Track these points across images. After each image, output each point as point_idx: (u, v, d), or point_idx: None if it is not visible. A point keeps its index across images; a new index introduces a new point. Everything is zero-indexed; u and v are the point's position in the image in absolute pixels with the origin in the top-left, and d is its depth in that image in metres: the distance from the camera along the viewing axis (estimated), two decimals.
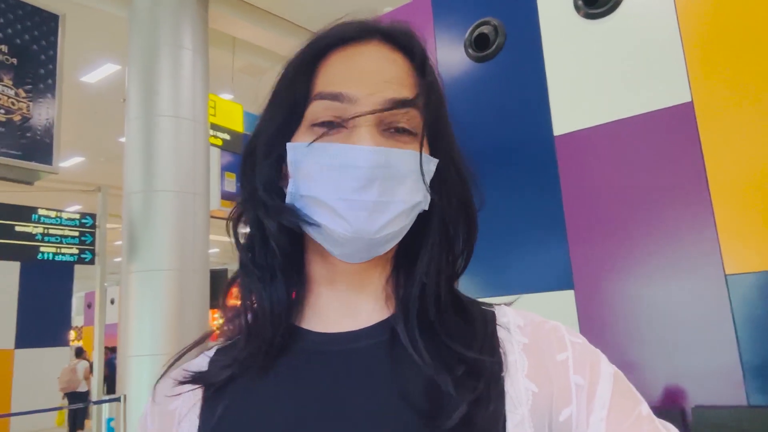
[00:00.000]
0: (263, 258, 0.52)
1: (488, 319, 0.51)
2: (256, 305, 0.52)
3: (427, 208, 0.51)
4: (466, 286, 2.52)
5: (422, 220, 0.52)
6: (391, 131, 0.49)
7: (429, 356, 0.46)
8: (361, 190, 0.46)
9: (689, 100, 1.78)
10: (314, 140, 0.48)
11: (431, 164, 0.51)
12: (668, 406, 1.69)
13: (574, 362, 0.48)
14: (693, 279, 1.76)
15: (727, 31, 1.77)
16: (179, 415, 0.51)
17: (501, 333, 0.50)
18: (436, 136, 0.52)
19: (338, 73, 0.49)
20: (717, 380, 1.64)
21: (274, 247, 0.51)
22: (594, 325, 2.04)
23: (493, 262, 2.43)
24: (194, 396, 0.51)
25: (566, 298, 2.12)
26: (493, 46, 2.41)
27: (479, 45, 2.47)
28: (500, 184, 2.47)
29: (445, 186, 0.53)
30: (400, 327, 0.49)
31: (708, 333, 1.68)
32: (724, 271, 1.68)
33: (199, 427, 0.50)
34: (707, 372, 1.67)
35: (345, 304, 0.52)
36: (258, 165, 0.52)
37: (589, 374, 0.47)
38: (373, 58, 0.50)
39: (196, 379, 0.51)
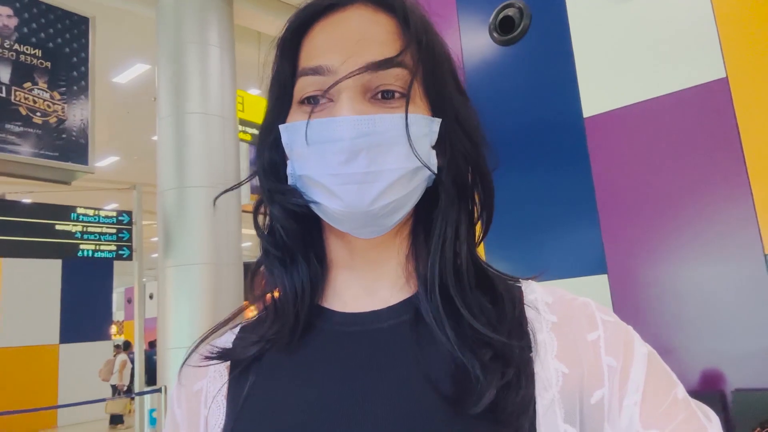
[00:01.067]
0: (281, 242, 0.51)
1: (516, 298, 0.49)
2: (279, 287, 0.51)
3: (435, 173, 0.48)
4: (502, 271, 2.50)
5: (436, 188, 0.49)
6: (378, 96, 0.46)
7: (453, 333, 0.45)
8: (346, 163, 0.44)
9: (724, 75, 1.72)
10: (308, 118, 0.46)
11: (433, 125, 0.47)
12: (707, 390, 1.66)
13: (605, 342, 0.45)
14: (731, 259, 1.71)
15: (761, 3, 1.70)
16: (206, 395, 0.51)
17: (529, 312, 0.48)
18: (436, 94, 0.48)
19: (319, 44, 0.47)
20: (757, 363, 1.60)
21: (279, 230, 0.50)
22: (629, 310, 2.01)
23: (524, 248, 2.41)
24: (221, 377, 0.51)
25: (600, 282, 2.09)
26: (519, 29, 2.37)
27: (504, 28, 2.43)
28: (530, 169, 2.44)
29: (452, 148, 0.49)
30: (423, 305, 0.47)
31: (747, 315, 1.64)
32: (764, 250, 1.63)
33: (227, 407, 0.49)
34: (746, 355, 1.62)
35: (364, 283, 0.51)
36: (259, 148, 0.52)
37: (623, 355, 0.45)
38: (354, 22, 0.47)
39: (222, 355, 0.51)
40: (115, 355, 9.72)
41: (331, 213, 0.47)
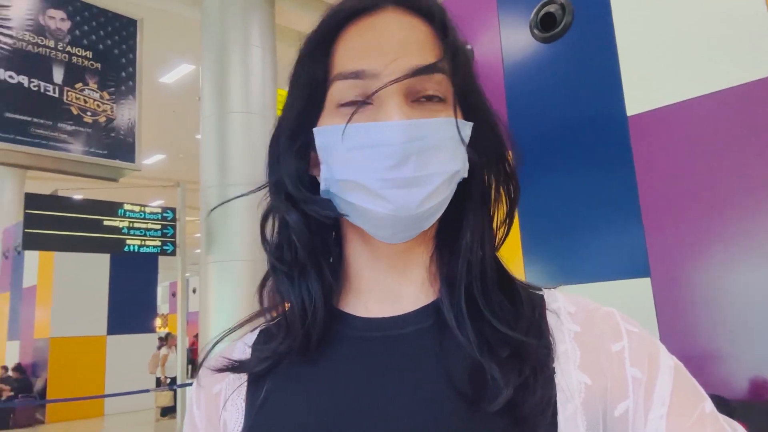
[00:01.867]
0: (293, 255, 0.51)
1: (536, 303, 0.49)
2: (288, 302, 0.51)
3: (466, 175, 0.49)
4: (535, 273, 2.46)
5: (459, 190, 0.49)
6: (421, 100, 0.46)
7: (474, 335, 0.45)
8: (396, 167, 0.44)
9: None
10: (347, 122, 0.45)
11: (467, 128, 0.48)
12: (754, 398, 1.59)
13: (630, 353, 0.45)
14: None
15: None
16: (224, 397, 0.51)
17: (551, 319, 0.47)
18: (467, 98, 0.49)
19: (355, 48, 0.46)
20: None
21: (295, 242, 0.50)
22: (672, 315, 1.95)
23: (564, 249, 2.36)
24: (239, 380, 0.51)
25: (642, 286, 2.03)
26: (560, 26, 2.33)
27: (545, 25, 2.39)
28: (571, 169, 2.39)
29: (480, 152, 0.49)
30: (446, 305, 0.47)
31: None
32: None
33: (245, 409, 0.50)
34: None
35: (387, 288, 0.50)
36: (283, 155, 0.50)
37: (648, 367, 0.44)
38: (390, 26, 0.47)
39: (236, 368, 0.51)
40: (159, 348, 10.01)
41: (374, 218, 0.46)
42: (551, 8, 2.34)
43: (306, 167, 0.51)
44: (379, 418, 0.44)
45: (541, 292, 0.51)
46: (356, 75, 0.46)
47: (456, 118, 0.46)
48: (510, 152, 0.53)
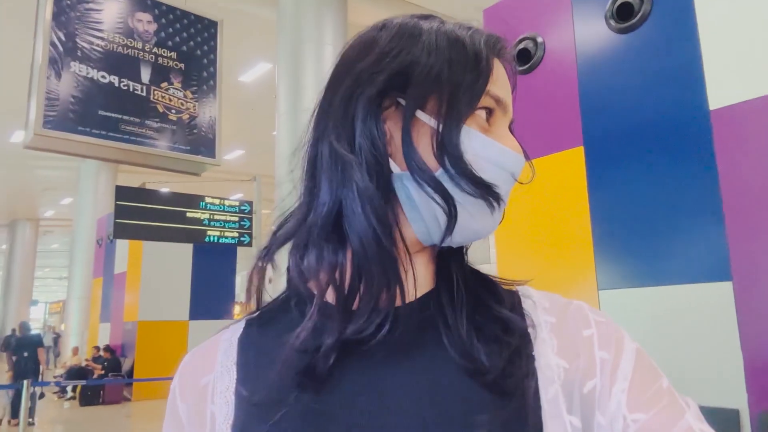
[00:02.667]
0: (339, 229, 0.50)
1: (514, 297, 0.53)
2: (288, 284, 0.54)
3: None
4: (607, 274, 2.38)
5: None
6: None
7: (466, 323, 0.48)
8: (506, 193, 0.50)
9: None
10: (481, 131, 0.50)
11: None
12: None
13: (599, 338, 0.49)
14: None
15: None
16: (213, 390, 0.51)
17: (526, 304, 0.52)
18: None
19: (500, 78, 0.51)
20: None
21: (369, 207, 0.46)
22: (755, 320, 1.83)
23: (640, 250, 2.26)
24: (228, 373, 0.51)
25: (723, 290, 1.92)
26: (638, 15, 2.22)
27: (622, 15, 2.29)
28: (649, 166, 2.28)
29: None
30: (445, 296, 0.51)
31: None
32: None
33: (236, 403, 0.49)
34: None
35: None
36: (450, 141, 0.47)
37: (614, 349, 0.49)
38: (509, 75, 0.53)
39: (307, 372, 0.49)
40: None
41: (463, 227, 0.49)
42: None
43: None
44: (386, 396, 0.46)
45: (514, 288, 0.54)
46: (498, 101, 0.50)
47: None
48: None
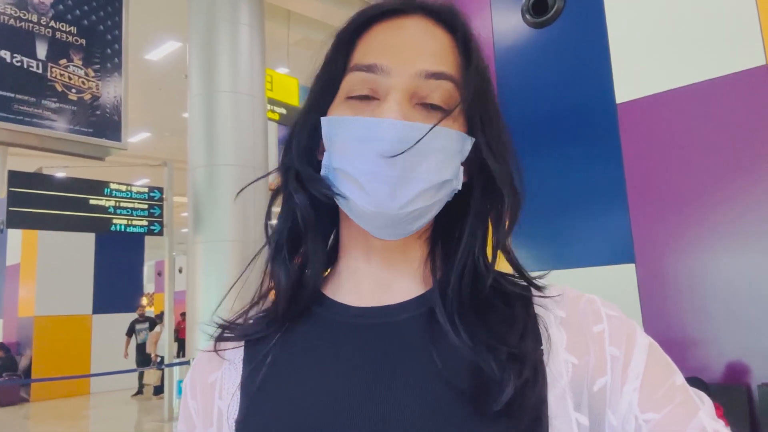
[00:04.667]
0: (293, 231, 0.53)
1: (526, 298, 0.51)
2: (280, 276, 0.53)
3: (460, 187, 0.50)
4: (523, 258, 2.50)
5: (462, 199, 0.51)
6: (425, 106, 0.48)
7: (468, 337, 0.46)
8: (383, 164, 0.45)
9: (764, 63, 1.67)
10: (352, 113, 0.48)
11: (466, 143, 0.49)
12: (732, 382, 1.64)
13: (609, 334, 0.48)
14: (764, 252, 1.68)
15: None
16: (220, 387, 0.53)
17: (539, 310, 0.50)
18: (477, 116, 0.50)
19: (376, 44, 0.49)
20: None
21: (299, 217, 0.52)
22: (656, 300, 1.99)
23: (550, 234, 2.39)
24: (236, 370, 0.53)
25: (626, 272, 2.07)
26: (552, 11, 2.33)
27: (537, 10, 2.39)
28: (559, 154, 2.41)
29: (484, 168, 0.51)
30: (438, 307, 0.49)
31: None
32: None
33: (241, 398, 0.51)
34: None
35: (380, 280, 0.52)
36: (296, 138, 0.53)
37: (625, 345, 0.47)
38: (413, 31, 0.49)
39: (238, 334, 0.54)
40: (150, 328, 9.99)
41: (358, 209, 0.48)
42: None
43: (316, 152, 0.53)
44: (373, 402, 0.46)
45: (525, 283, 0.53)
46: (369, 68, 0.47)
47: (457, 130, 0.48)
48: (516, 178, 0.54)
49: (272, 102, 6.70)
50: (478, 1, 2.60)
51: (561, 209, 2.30)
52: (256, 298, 0.56)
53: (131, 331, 9.47)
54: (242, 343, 0.54)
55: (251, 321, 0.55)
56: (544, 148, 2.34)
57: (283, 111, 6.92)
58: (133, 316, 9.77)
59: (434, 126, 0.46)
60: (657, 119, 1.96)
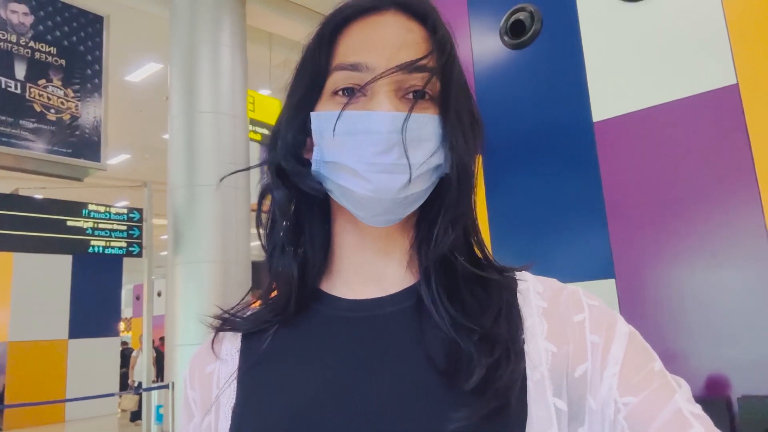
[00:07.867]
0: (282, 231, 0.55)
1: (505, 286, 0.53)
2: (279, 271, 0.55)
3: (449, 170, 0.52)
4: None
5: (439, 184, 0.53)
6: (410, 96, 0.50)
7: (449, 318, 0.49)
8: (381, 154, 0.48)
9: (734, 82, 1.72)
10: (342, 109, 0.50)
11: (449, 127, 0.52)
12: (713, 395, 1.65)
13: (590, 323, 0.50)
14: (739, 266, 1.71)
15: None
16: (218, 377, 0.55)
17: (521, 300, 0.52)
18: (451, 98, 0.52)
19: (356, 43, 0.51)
20: (764, 369, 1.59)
21: (278, 216, 0.54)
22: (636, 315, 2.01)
23: (532, 251, 2.41)
24: (232, 360, 0.55)
25: (607, 287, 2.09)
26: (530, 33, 2.38)
27: (515, 32, 2.44)
28: (538, 172, 2.44)
29: (460, 149, 0.53)
30: (424, 291, 0.51)
31: (755, 321, 1.64)
32: None
33: (237, 388, 0.53)
34: (753, 361, 1.62)
35: (372, 271, 0.54)
36: (281, 135, 0.54)
37: (605, 333, 0.49)
38: (390, 27, 0.51)
39: (233, 325, 0.56)
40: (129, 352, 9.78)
41: (357, 196, 0.50)
42: (521, 15, 2.40)
43: (301, 149, 0.55)
44: (364, 394, 0.48)
45: (512, 274, 0.55)
46: (354, 67, 0.50)
47: (439, 115, 0.51)
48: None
49: (254, 122, 6.70)
50: (456, 23, 2.65)
51: (541, 226, 2.32)
52: (261, 296, 0.58)
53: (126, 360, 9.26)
54: (240, 335, 0.56)
55: (250, 314, 0.57)
56: (525, 166, 2.37)
57: (265, 131, 6.92)
58: (111, 340, 9.57)
59: (411, 113, 0.49)
60: (633, 137, 2.01)
